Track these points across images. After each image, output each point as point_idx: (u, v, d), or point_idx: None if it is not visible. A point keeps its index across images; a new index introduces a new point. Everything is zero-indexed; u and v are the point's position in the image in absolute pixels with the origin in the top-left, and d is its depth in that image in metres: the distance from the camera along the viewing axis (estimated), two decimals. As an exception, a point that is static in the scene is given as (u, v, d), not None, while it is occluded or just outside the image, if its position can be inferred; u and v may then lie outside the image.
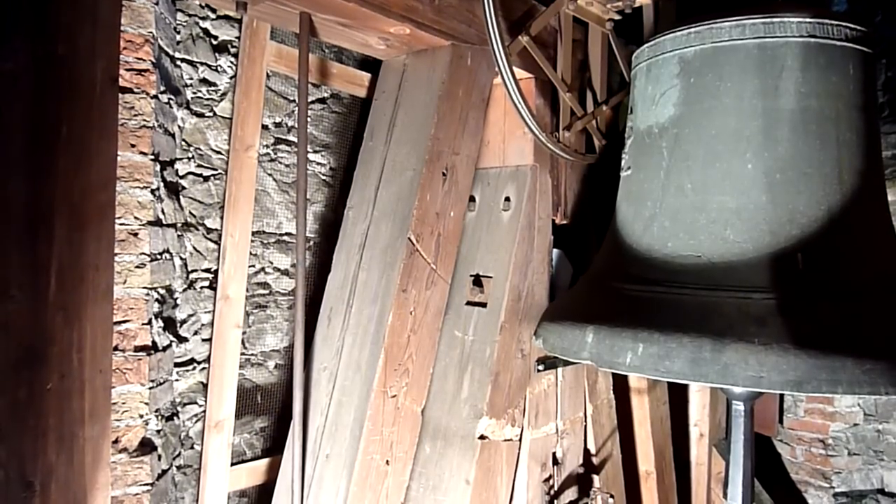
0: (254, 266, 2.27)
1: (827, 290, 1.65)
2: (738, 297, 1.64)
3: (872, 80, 1.86)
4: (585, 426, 2.63)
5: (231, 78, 2.14)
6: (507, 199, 2.40)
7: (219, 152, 2.13)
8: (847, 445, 3.58)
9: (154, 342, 1.69)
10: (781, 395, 3.68)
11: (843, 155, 1.74)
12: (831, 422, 3.57)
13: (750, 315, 1.60)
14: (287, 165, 2.35)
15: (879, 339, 1.55)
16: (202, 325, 2.10)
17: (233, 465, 2.18)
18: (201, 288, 2.10)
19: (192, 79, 2.06)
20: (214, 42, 2.11)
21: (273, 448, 2.35)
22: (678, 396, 3.27)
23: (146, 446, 1.62)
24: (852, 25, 1.78)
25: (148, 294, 1.63)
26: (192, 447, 2.09)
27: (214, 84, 2.11)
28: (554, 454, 2.46)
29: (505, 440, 2.26)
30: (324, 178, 2.49)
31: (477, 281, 2.37)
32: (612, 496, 2.52)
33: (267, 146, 2.29)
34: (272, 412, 2.36)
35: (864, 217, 1.76)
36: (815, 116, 1.74)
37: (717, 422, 3.41)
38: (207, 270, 2.11)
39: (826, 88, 1.75)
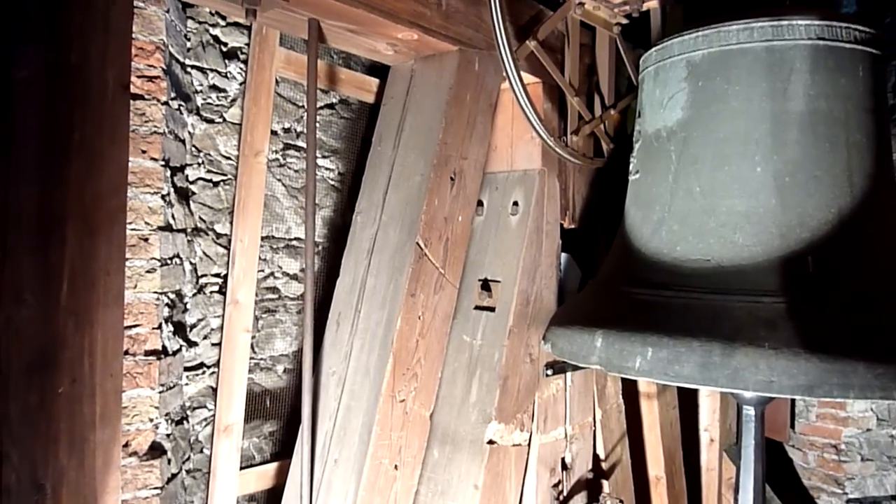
0: (263, 271, 2.28)
1: (837, 294, 1.64)
2: (748, 301, 1.63)
3: (882, 82, 1.85)
4: (594, 431, 2.62)
5: (241, 84, 2.16)
6: (516, 203, 2.40)
7: (228, 158, 2.14)
8: (860, 451, 3.54)
9: (164, 346, 1.70)
10: (793, 400, 3.65)
11: (852, 157, 1.73)
12: (844, 427, 3.54)
13: (760, 319, 1.59)
14: (296, 171, 2.36)
15: (892, 343, 1.54)
16: (212, 329, 2.11)
17: (242, 468, 2.19)
18: (211, 292, 2.11)
19: (202, 85, 2.08)
20: (224, 49, 2.13)
21: (282, 452, 2.35)
22: (688, 401, 3.25)
23: (156, 450, 1.63)
24: (861, 27, 1.77)
25: (158, 299, 1.64)
26: (201, 451, 2.10)
27: (224, 90, 2.13)
28: (563, 459, 2.45)
29: (514, 445, 2.26)
30: (332, 183, 2.50)
31: (485, 285, 2.37)
32: (621, 502, 2.51)
33: (276, 151, 2.30)
34: (281, 416, 2.37)
35: (874, 219, 1.75)
36: (824, 119, 1.73)
37: (727, 427, 3.39)
38: (217, 275, 2.12)
39: (835, 91, 1.74)
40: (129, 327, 1.58)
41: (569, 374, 2.45)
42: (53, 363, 1.44)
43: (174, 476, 1.77)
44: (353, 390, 2.11)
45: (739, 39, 1.78)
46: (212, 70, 2.10)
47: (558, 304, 2.46)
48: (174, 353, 1.81)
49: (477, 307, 2.36)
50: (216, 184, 2.12)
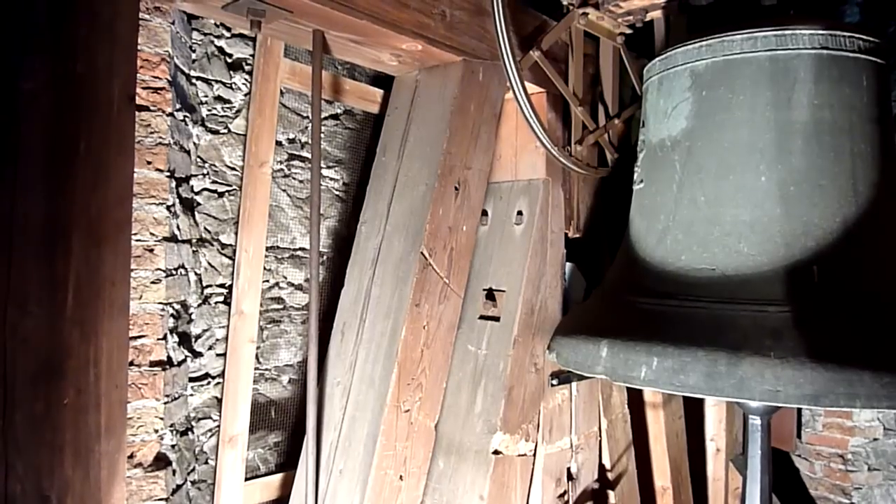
0: (268, 281, 2.28)
1: (843, 303, 1.64)
2: (754, 311, 1.63)
3: (887, 91, 1.85)
4: (600, 441, 2.61)
5: (245, 95, 2.17)
6: (520, 212, 2.40)
7: (233, 168, 2.15)
8: (867, 460, 3.52)
9: (169, 357, 1.70)
10: (799, 410, 3.63)
11: (857, 166, 1.73)
12: (850, 436, 3.52)
13: (765, 328, 1.59)
14: (301, 181, 2.37)
15: (898, 352, 1.53)
16: (216, 339, 2.11)
17: (247, 479, 2.18)
18: (216, 303, 2.11)
19: (207, 96, 2.09)
20: (229, 60, 2.14)
21: (287, 463, 2.35)
22: (694, 411, 3.24)
23: (161, 461, 1.63)
24: (865, 37, 1.77)
25: (163, 309, 1.65)
26: (206, 462, 2.09)
27: (229, 101, 2.14)
28: (569, 469, 2.44)
29: (519, 455, 2.25)
30: (337, 193, 2.51)
31: (490, 295, 2.37)
32: (627, 512, 2.49)
33: (281, 162, 2.31)
34: (286, 427, 2.37)
35: (879, 229, 1.75)
36: (828, 128, 1.73)
37: (733, 436, 3.37)
38: (222, 286, 2.12)
39: (839, 100, 1.75)
40: (135, 338, 1.59)
41: (574, 383, 2.44)
42: (59, 373, 1.45)
43: (179, 487, 1.76)
44: (357, 400, 2.11)
45: (743, 49, 1.78)
46: (217, 81, 2.11)
47: (563, 314, 2.45)
48: (179, 364, 1.81)
49: (482, 317, 2.36)
50: (221, 194, 2.13)
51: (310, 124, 2.32)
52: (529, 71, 2.25)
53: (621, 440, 2.70)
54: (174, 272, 1.74)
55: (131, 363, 1.57)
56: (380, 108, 2.55)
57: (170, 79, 1.68)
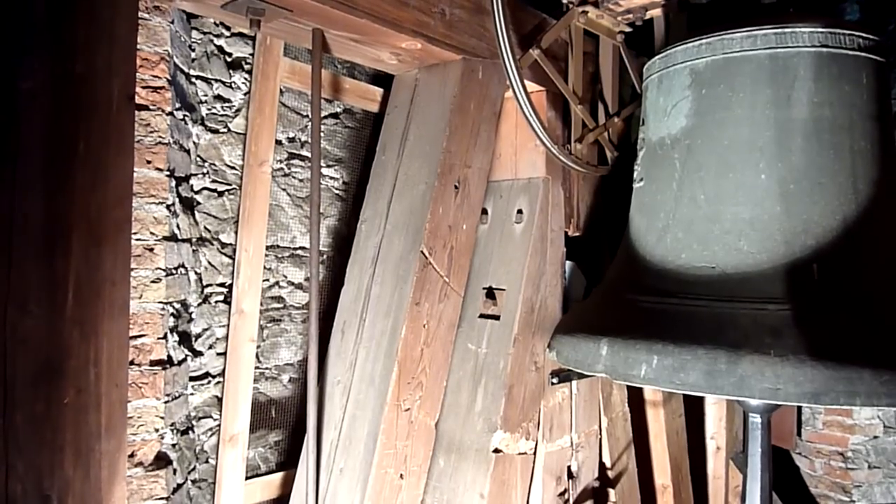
0: (268, 280, 2.28)
1: (843, 301, 1.63)
2: (754, 309, 1.63)
3: (887, 89, 1.85)
4: (600, 439, 2.61)
5: (245, 94, 2.17)
6: (520, 211, 2.40)
7: (233, 168, 2.15)
8: (867, 458, 3.52)
9: (169, 356, 1.70)
10: (799, 408, 3.63)
11: (857, 164, 1.73)
12: (850, 434, 3.52)
13: (765, 326, 1.59)
14: (300, 180, 2.37)
15: (898, 350, 1.53)
16: (217, 339, 2.11)
17: (247, 478, 2.18)
18: (216, 302, 2.11)
19: (206, 95, 2.08)
20: (228, 59, 2.14)
21: (287, 462, 2.35)
22: (694, 409, 3.24)
23: (161, 460, 1.63)
24: (865, 35, 1.77)
25: (163, 308, 1.65)
26: (206, 461, 2.10)
27: (229, 100, 2.14)
28: (569, 468, 2.44)
29: (519, 454, 2.25)
30: (337, 192, 2.51)
31: (490, 293, 2.37)
32: (628, 510, 2.49)
33: (280, 161, 2.31)
34: (286, 426, 2.37)
35: (879, 226, 1.74)
36: (828, 126, 1.73)
37: (733, 434, 3.38)
38: (222, 285, 2.12)
39: (839, 98, 1.74)
40: (135, 337, 1.58)
41: (574, 382, 2.44)
42: (59, 373, 1.45)
43: (179, 486, 1.77)
44: (358, 399, 2.11)
45: (743, 47, 1.78)
46: (216, 80, 2.11)
47: (563, 313, 2.45)
48: (179, 363, 1.81)
49: (482, 315, 2.36)
50: (221, 193, 2.12)
51: (309, 123, 2.32)
52: (529, 69, 2.25)
53: (621, 438, 2.70)
54: (174, 271, 1.74)
55: (131, 362, 1.57)
56: (379, 107, 2.55)
57: (169, 78, 1.67)
